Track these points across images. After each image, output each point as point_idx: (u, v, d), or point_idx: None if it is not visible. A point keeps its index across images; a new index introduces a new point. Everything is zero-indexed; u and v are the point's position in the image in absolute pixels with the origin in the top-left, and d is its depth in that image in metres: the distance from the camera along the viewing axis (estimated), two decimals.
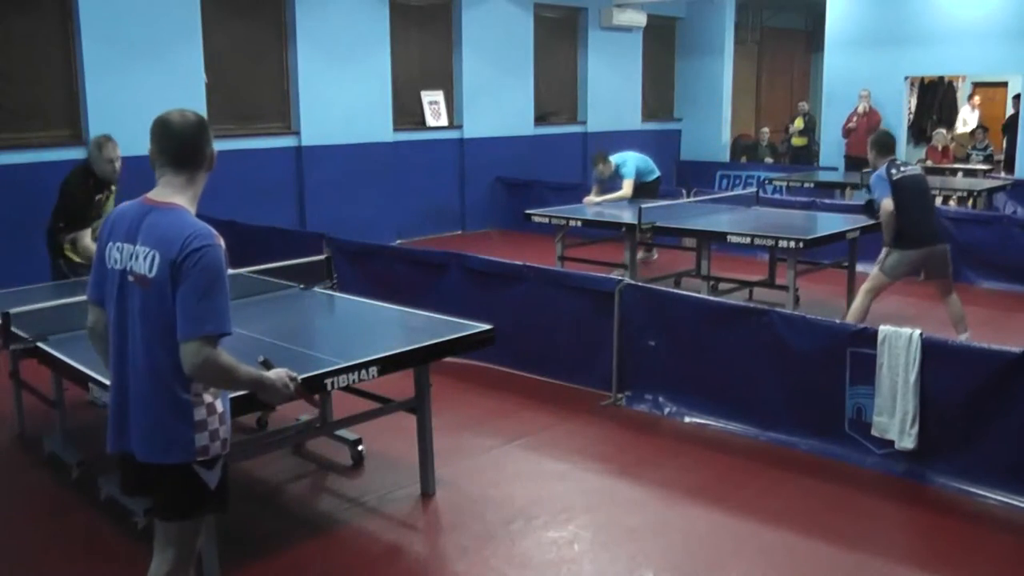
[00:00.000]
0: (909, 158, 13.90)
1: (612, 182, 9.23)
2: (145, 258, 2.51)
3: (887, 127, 12.95)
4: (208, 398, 2.60)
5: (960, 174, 12.36)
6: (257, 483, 4.49)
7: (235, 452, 4.26)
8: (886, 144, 6.43)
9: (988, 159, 13.58)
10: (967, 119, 15.45)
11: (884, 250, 6.32)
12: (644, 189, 9.26)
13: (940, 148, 13.44)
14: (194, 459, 2.57)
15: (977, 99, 15.94)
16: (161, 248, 2.49)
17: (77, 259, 5.66)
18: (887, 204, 6.13)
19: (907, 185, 6.22)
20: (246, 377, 2.62)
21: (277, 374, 2.73)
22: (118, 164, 5.67)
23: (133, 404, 2.59)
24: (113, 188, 5.84)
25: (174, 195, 2.61)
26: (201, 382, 2.54)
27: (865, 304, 6.27)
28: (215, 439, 2.60)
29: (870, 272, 6.41)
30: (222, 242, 2.56)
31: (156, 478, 2.60)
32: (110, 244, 2.62)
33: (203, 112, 9.16)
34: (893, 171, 6.21)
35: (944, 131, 14.00)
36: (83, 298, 4.59)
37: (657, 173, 9.59)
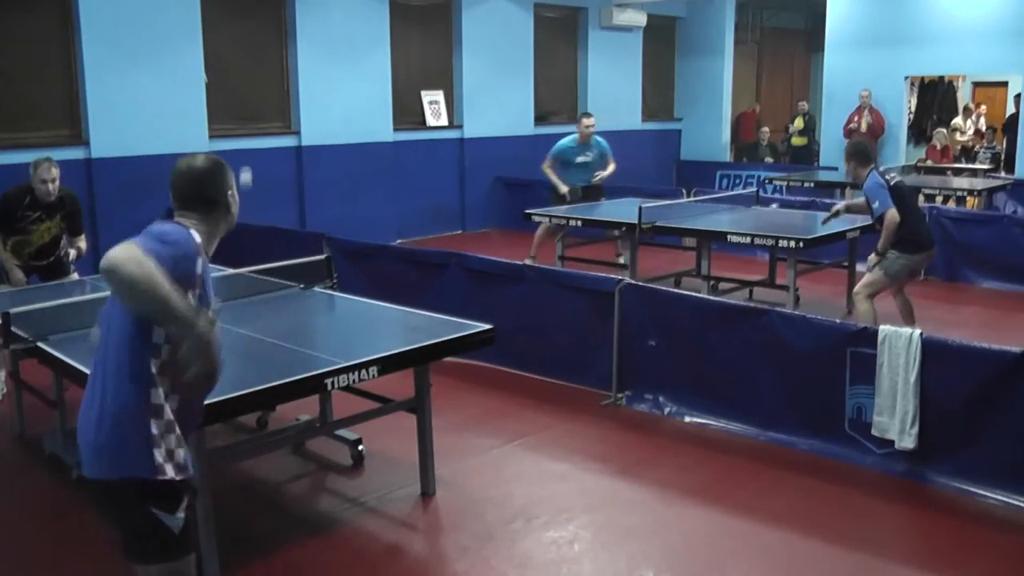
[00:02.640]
0: (909, 158, 13.92)
1: (579, 160, 9.07)
2: None
3: (888, 127, 13.01)
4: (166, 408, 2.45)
5: (961, 174, 12.36)
6: (257, 483, 4.49)
7: (235, 452, 4.31)
8: (866, 153, 6.39)
9: (995, 158, 13.56)
10: (961, 126, 15.39)
11: (873, 256, 6.24)
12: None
13: (940, 148, 13.43)
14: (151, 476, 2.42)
15: (983, 108, 15.89)
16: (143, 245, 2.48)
17: None
18: (894, 214, 6.02)
19: (903, 190, 6.22)
20: (170, 296, 2.32)
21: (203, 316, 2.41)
22: (51, 186, 5.84)
23: (86, 420, 2.55)
24: (57, 217, 6.00)
25: (187, 222, 2.71)
26: (121, 275, 2.28)
27: (870, 309, 6.24)
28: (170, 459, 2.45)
29: (866, 277, 6.35)
30: (193, 248, 2.57)
31: (99, 492, 2.52)
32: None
33: (203, 112, 9.23)
34: (887, 178, 6.19)
35: (944, 130, 13.98)
36: (83, 298, 4.62)
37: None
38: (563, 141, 9.19)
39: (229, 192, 2.80)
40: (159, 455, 2.41)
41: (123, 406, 2.41)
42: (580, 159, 9.07)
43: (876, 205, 6.14)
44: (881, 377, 4.45)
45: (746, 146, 15.79)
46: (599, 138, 9.21)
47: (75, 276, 6.15)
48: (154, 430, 2.42)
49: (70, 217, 6.07)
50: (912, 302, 6.61)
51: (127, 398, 2.41)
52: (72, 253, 6.15)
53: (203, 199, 2.78)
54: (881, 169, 6.37)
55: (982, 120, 15.37)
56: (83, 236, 6.23)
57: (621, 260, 8.77)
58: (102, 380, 2.48)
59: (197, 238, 2.60)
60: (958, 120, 15.03)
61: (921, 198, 10.34)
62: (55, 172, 5.85)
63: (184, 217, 2.76)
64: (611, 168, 9.20)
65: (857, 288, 6.40)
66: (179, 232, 2.60)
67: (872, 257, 6.28)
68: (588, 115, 9.19)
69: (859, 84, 13.04)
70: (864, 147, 6.50)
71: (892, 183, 6.17)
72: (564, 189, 9.04)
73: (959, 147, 14.10)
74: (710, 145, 15.22)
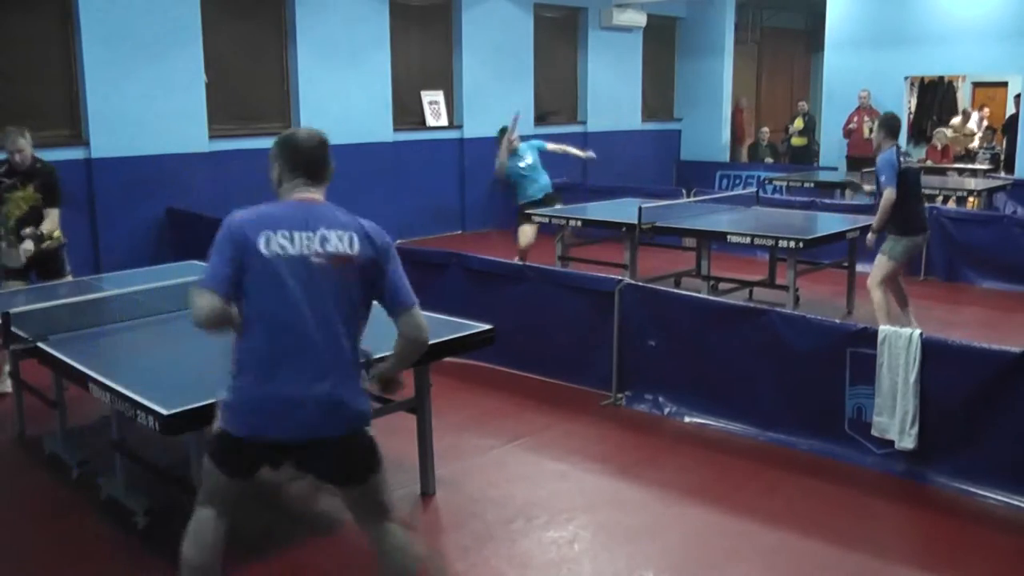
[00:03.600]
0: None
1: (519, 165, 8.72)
2: (341, 239, 2.76)
3: None
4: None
5: (961, 174, 12.36)
6: (257, 483, 4.48)
7: None
8: (894, 127, 6.59)
9: (995, 159, 13.56)
10: (958, 126, 15.36)
11: (871, 235, 6.55)
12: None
13: (940, 148, 13.42)
14: (367, 424, 2.86)
15: (987, 110, 15.86)
16: (359, 231, 2.81)
17: None
18: (890, 194, 6.26)
19: (910, 175, 6.36)
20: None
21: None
22: (17, 157, 5.87)
23: (315, 384, 2.70)
24: (31, 188, 5.90)
25: (320, 196, 2.93)
26: (423, 342, 2.91)
27: (883, 297, 6.38)
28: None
29: (873, 265, 6.51)
30: None
31: (344, 449, 2.80)
32: (267, 234, 2.72)
33: (203, 112, 9.23)
34: (901, 158, 6.35)
35: (946, 130, 13.96)
36: (83, 298, 4.63)
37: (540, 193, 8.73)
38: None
39: None
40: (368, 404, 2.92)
41: (351, 371, 2.81)
42: (522, 165, 8.60)
43: (882, 180, 6.37)
44: (881, 377, 4.45)
45: (735, 146, 15.70)
46: (526, 142, 8.79)
47: (68, 278, 6.11)
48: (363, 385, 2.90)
49: (45, 187, 5.97)
50: (907, 291, 6.80)
51: (350, 364, 2.80)
52: (29, 245, 5.78)
53: (329, 170, 2.98)
54: (903, 150, 6.52)
55: (984, 122, 15.33)
56: (57, 211, 6.01)
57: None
58: (334, 345, 2.75)
59: None
60: (956, 121, 15.01)
61: None
62: (22, 142, 5.88)
63: (315, 189, 2.92)
64: (570, 147, 9.00)
65: (869, 280, 6.52)
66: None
67: (870, 236, 6.58)
68: (509, 131, 8.65)
69: (859, 84, 13.03)
70: (893, 121, 6.69)
71: (903, 165, 6.32)
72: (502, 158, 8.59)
73: (961, 148, 14.07)
74: (710, 145, 15.22)
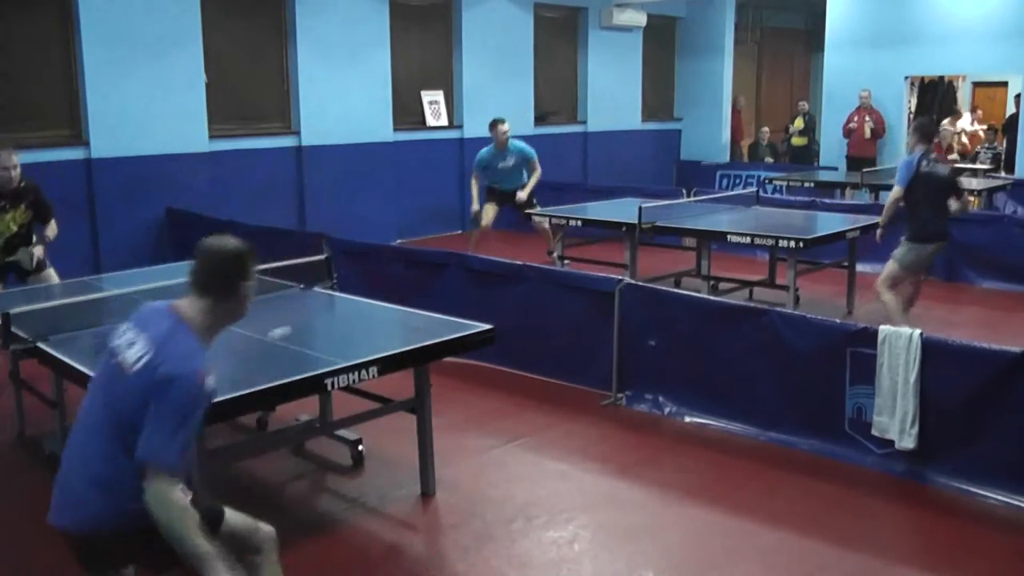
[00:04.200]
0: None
1: (507, 165, 9.10)
2: (137, 352, 2.56)
3: (888, 127, 13.01)
4: None
5: (961, 174, 12.34)
6: (257, 483, 4.50)
7: (235, 452, 4.30)
8: (927, 132, 6.60)
9: (996, 158, 13.55)
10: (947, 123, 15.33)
11: (879, 231, 6.63)
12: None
13: (945, 146, 13.41)
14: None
15: (980, 113, 15.83)
16: (156, 350, 2.54)
17: None
18: (896, 192, 6.39)
19: (929, 181, 6.34)
20: (192, 540, 2.41)
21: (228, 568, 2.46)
22: (13, 172, 5.89)
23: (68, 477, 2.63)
24: (22, 207, 6.00)
25: (191, 312, 2.66)
26: (151, 515, 2.43)
27: (892, 298, 6.42)
28: None
29: (884, 269, 6.52)
30: (206, 380, 2.55)
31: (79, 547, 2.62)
32: (128, 322, 2.70)
33: (203, 112, 9.23)
34: (924, 162, 6.34)
35: (950, 128, 13.93)
36: (83, 298, 4.62)
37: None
38: (481, 152, 9.21)
39: (250, 284, 2.73)
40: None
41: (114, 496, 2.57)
42: (501, 165, 9.04)
43: (895, 178, 6.50)
44: (881, 377, 4.45)
45: (733, 146, 15.67)
46: (518, 143, 9.21)
47: (51, 271, 6.15)
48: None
49: (36, 204, 6.06)
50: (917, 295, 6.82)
51: (116, 493, 2.56)
52: (39, 250, 6.04)
53: (223, 284, 2.68)
54: (932, 156, 6.50)
55: (975, 124, 15.27)
56: (53, 222, 6.16)
57: (557, 249, 8.75)
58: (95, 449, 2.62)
59: (201, 361, 2.59)
60: (946, 121, 14.97)
61: None
62: (15, 159, 5.92)
63: (196, 299, 2.68)
64: (534, 178, 9.12)
65: (877, 282, 6.55)
66: (193, 374, 2.53)
67: (879, 231, 6.67)
68: (501, 121, 9.11)
69: (859, 84, 13.03)
70: (930, 128, 6.75)
71: (923, 169, 6.33)
72: (475, 207, 9.10)
73: (955, 147, 14.05)
74: (710, 145, 15.22)
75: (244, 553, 2.74)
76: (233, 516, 2.75)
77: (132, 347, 2.58)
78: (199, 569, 2.41)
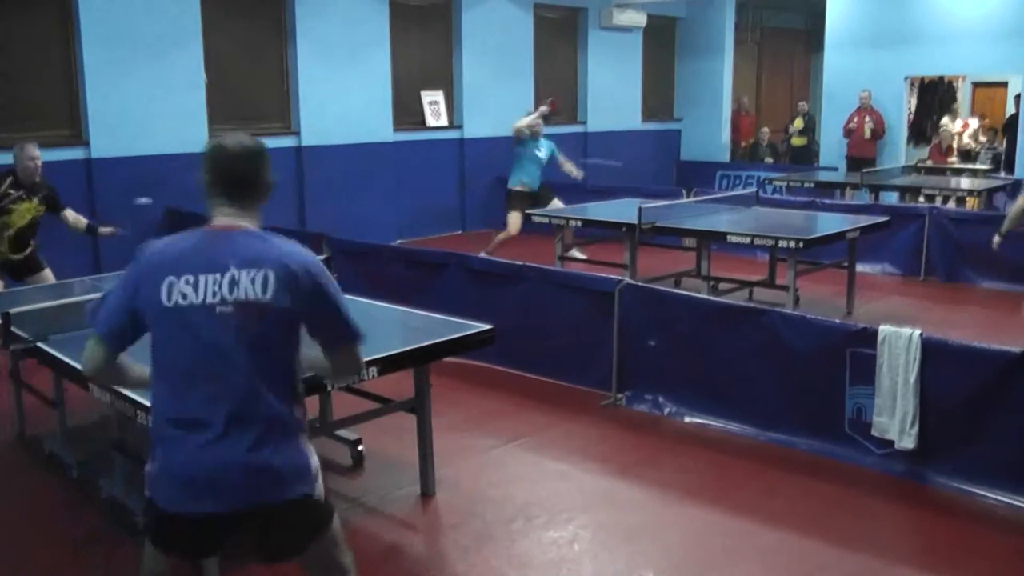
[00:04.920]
0: (909, 158, 13.90)
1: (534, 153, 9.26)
2: (254, 281, 2.30)
3: (888, 127, 13.01)
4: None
5: (961, 174, 12.35)
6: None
7: None
8: None
9: (996, 158, 13.54)
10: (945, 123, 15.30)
11: (997, 237, 5.96)
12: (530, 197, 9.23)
13: (945, 146, 13.41)
14: (314, 489, 2.45)
15: (987, 121, 15.78)
16: (278, 269, 2.32)
17: None
18: (1020, 200, 5.79)
19: None
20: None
21: None
22: (38, 162, 6.12)
23: (233, 449, 2.31)
24: (36, 200, 6.20)
25: (242, 221, 2.43)
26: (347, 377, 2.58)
27: None
28: (314, 456, 2.48)
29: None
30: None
31: (278, 517, 2.39)
32: (170, 280, 2.31)
33: (203, 112, 9.23)
34: None
35: (951, 128, 13.91)
36: (83, 298, 4.62)
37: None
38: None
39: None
40: (314, 462, 2.49)
41: (285, 430, 2.41)
42: (536, 152, 9.25)
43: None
44: (881, 377, 4.45)
45: (740, 148, 15.68)
46: (547, 140, 9.43)
47: (48, 271, 6.23)
48: (303, 442, 2.50)
49: (50, 197, 6.28)
50: None
51: (284, 421, 2.41)
52: (91, 224, 6.50)
53: (262, 185, 2.49)
54: None
55: (971, 127, 15.23)
56: (69, 210, 6.48)
57: (575, 252, 8.98)
58: (257, 406, 2.35)
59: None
60: (945, 120, 14.95)
61: (921, 198, 10.37)
62: (38, 151, 6.15)
63: (239, 212, 2.43)
64: (570, 165, 9.52)
65: None
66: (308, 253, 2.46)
67: (996, 239, 6.01)
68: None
69: (859, 84, 13.03)
70: None
71: None
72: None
73: (952, 147, 14.04)
74: (710, 145, 15.22)
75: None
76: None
77: (238, 283, 2.30)
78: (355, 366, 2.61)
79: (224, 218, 2.42)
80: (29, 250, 6.23)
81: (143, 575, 2.54)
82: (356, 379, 2.61)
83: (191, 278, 2.31)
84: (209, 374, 2.31)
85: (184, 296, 2.30)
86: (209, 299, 2.29)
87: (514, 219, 9.11)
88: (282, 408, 2.37)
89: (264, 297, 2.30)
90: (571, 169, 9.53)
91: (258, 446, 2.31)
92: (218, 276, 2.30)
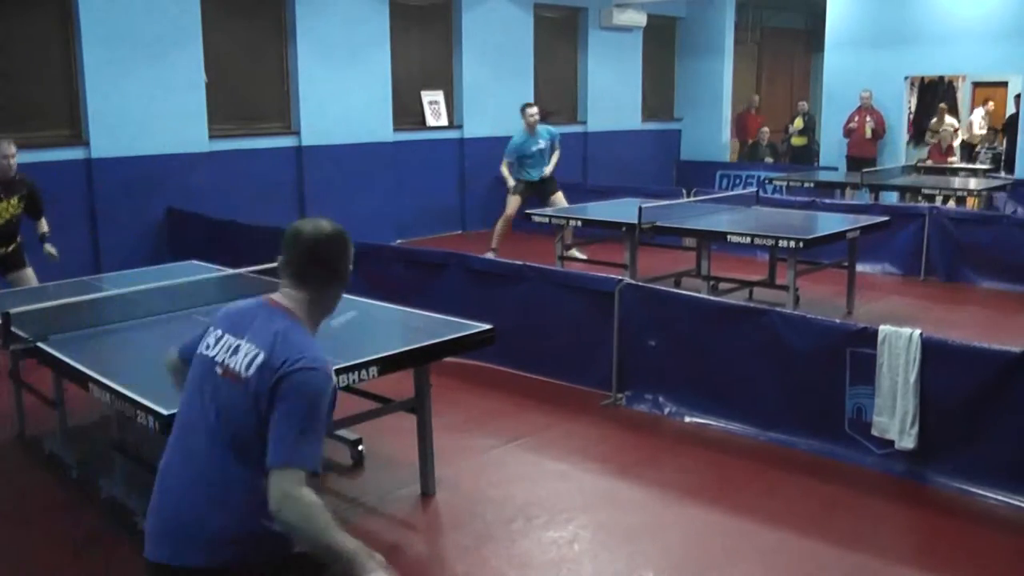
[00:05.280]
0: (909, 158, 13.90)
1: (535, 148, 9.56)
2: (247, 355, 2.31)
3: (888, 127, 13.01)
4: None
5: (961, 174, 12.35)
6: None
7: None
8: None
9: (996, 158, 13.54)
10: (973, 122, 15.33)
11: None
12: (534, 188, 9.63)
13: (945, 146, 13.40)
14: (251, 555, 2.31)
15: (991, 104, 15.78)
16: (268, 352, 2.28)
17: None
18: None
19: None
20: (332, 537, 2.14)
21: (375, 559, 2.17)
22: (11, 161, 5.99)
23: (184, 501, 2.30)
24: (16, 199, 6.09)
25: (292, 305, 2.42)
26: (281, 522, 2.17)
27: None
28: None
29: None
30: (332, 375, 2.36)
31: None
32: (211, 328, 2.47)
33: (203, 112, 9.23)
34: None
35: (951, 127, 13.90)
36: (83, 298, 4.63)
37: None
38: (514, 139, 9.63)
39: (349, 267, 2.52)
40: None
41: (231, 514, 2.30)
42: (535, 149, 9.52)
43: None
44: (881, 377, 4.45)
45: (748, 147, 15.70)
46: (545, 125, 9.74)
47: (30, 270, 6.24)
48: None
49: (31, 198, 6.17)
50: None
51: (234, 508, 2.29)
52: (47, 233, 6.24)
53: (331, 274, 2.47)
54: None
55: (955, 127, 15.22)
56: (44, 219, 6.31)
57: (575, 252, 9.14)
58: (208, 474, 2.31)
59: (331, 372, 2.36)
60: (933, 122, 14.93)
61: (921, 198, 10.38)
62: (13, 148, 6.02)
63: (294, 291, 2.44)
64: (555, 158, 9.65)
65: None
66: (321, 369, 2.30)
67: None
68: (531, 104, 9.67)
69: (859, 84, 13.03)
70: None
71: None
72: (511, 182, 9.61)
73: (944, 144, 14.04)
74: (710, 145, 15.22)
75: None
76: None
77: (237, 352, 2.33)
78: (348, 571, 2.14)
79: (278, 295, 2.48)
80: (14, 246, 6.17)
81: None
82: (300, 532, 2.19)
83: (220, 334, 2.43)
84: (189, 427, 2.37)
85: (207, 347, 2.43)
86: (217, 357, 2.39)
87: (512, 200, 9.55)
88: (242, 485, 2.27)
89: (245, 372, 2.29)
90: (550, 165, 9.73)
91: (208, 508, 2.27)
92: (232, 340, 2.39)
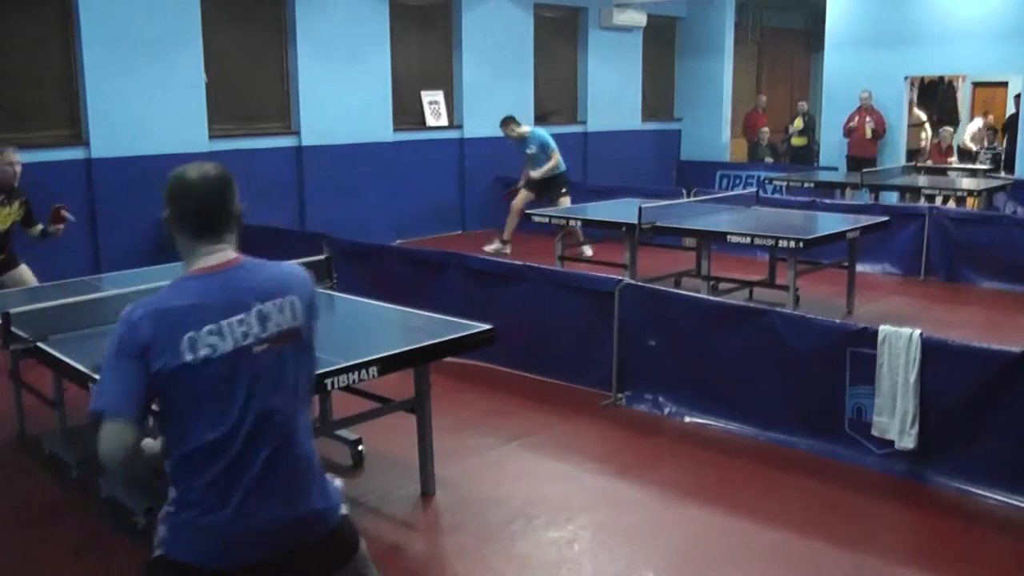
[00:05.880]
0: (909, 158, 13.91)
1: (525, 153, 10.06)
2: (283, 309, 2.19)
3: (888, 127, 13.01)
4: None
5: (961, 174, 12.35)
6: None
7: None
8: None
9: (996, 158, 13.55)
10: (969, 131, 15.33)
11: None
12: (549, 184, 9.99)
13: (944, 148, 13.40)
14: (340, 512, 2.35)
15: (991, 117, 15.78)
16: (298, 288, 2.25)
17: None
18: None
19: None
20: None
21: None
22: (17, 168, 6.14)
23: (288, 505, 2.18)
24: (16, 204, 6.23)
25: (232, 253, 2.26)
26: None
27: None
28: None
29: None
30: None
31: (325, 547, 2.26)
32: (191, 335, 2.10)
33: (203, 112, 9.23)
34: None
35: (951, 128, 13.91)
36: (83, 298, 4.62)
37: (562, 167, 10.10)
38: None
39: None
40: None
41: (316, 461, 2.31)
42: (527, 152, 10.04)
43: None
44: (881, 377, 4.45)
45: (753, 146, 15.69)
46: (538, 132, 10.12)
47: (24, 267, 6.33)
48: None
49: (28, 204, 6.32)
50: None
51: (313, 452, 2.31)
52: (48, 227, 6.35)
53: (230, 214, 2.29)
54: None
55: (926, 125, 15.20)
56: (39, 223, 6.47)
57: (586, 250, 9.44)
58: (301, 442, 2.24)
59: None
60: (976, 121, 14.95)
61: (921, 198, 10.38)
62: (17, 156, 6.18)
63: (222, 244, 2.25)
64: (549, 164, 9.90)
65: None
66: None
67: None
68: (505, 123, 10.10)
69: (859, 84, 13.03)
70: None
71: None
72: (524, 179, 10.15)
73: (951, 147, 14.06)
74: (710, 145, 15.22)
75: None
76: None
77: (268, 319, 2.17)
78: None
79: (211, 257, 2.22)
80: (5, 254, 6.26)
81: None
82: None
83: (214, 327, 2.12)
84: (249, 435, 2.14)
85: (212, 347, 2.11)
86: (241, 342, 2.14)
87: (520, 194, 10.06)
88: (312, 448, 2.30)
89: (297, 321, 2.22)
90: (522, 181, 10.15)
91: (309, 497, 2.24)
92: (243, 316, 2.15)
